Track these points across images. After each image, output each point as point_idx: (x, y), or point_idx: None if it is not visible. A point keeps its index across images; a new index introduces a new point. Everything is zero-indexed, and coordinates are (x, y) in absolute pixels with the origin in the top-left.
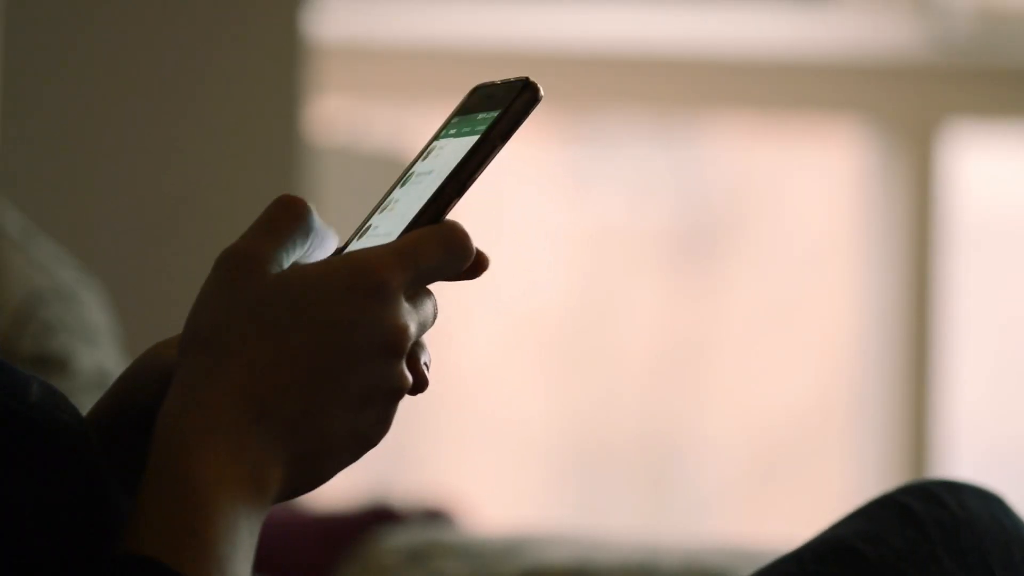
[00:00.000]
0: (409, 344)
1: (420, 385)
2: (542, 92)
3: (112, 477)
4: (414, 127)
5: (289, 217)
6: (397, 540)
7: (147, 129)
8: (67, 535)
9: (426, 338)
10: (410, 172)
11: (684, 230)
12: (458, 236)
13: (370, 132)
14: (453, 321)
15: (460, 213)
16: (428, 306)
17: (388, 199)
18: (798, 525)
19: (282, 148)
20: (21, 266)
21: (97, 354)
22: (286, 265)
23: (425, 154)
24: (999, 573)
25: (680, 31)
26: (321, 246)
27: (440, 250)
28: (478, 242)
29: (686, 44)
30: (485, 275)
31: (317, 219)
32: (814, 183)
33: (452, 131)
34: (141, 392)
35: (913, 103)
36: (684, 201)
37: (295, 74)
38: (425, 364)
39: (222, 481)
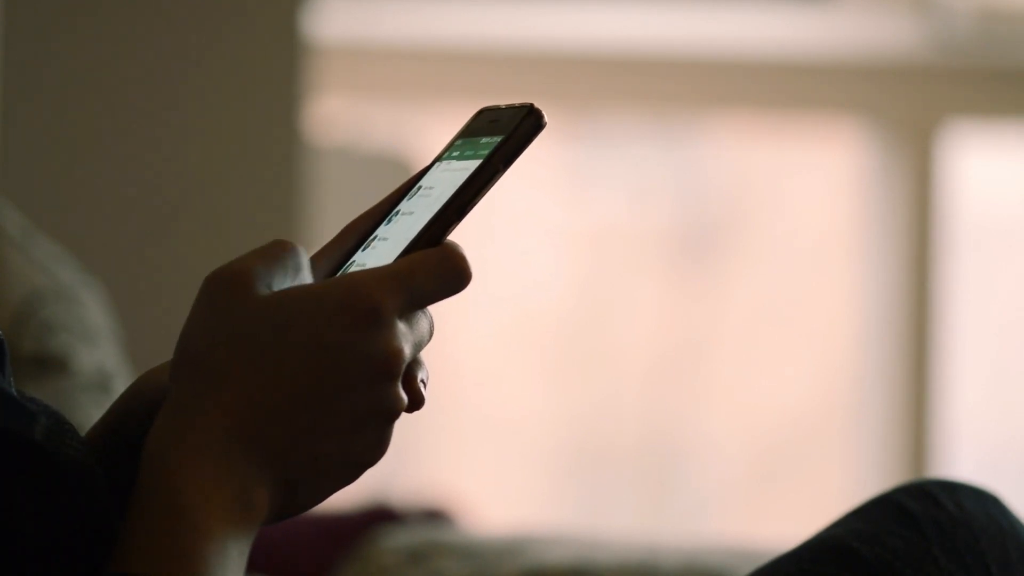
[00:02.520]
0: (403, 367)
1: (416, 403)
2: (546, 119)
3: (115, 511)
4: (414, 127)
5: (280, 247)
6: (397, 540)
7: (147, 129)
8: (68, 568)
9: (424, 349)
10: (397, 209)
11: (684, 230)
12: (456, 260)
13: (370, 132)
14: (453, 321)
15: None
16: (423, 324)
17: (374, 236)
18: (798, 525)
19: (282, 148)
20: (21, 266)
21: (97, 354)
22: (276, 289)
23: (423, 179)
24: (996, 572)
25: (680, 31)
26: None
27: (437, 274)
28: (477, 244)
29: (686, 44)
30: (485, 274)
31: (307, 264)
32: (814, 183)
33: (455, 153)
34: (135, 418)
35: (913, 103)
36: (684, 201)
37: (295, 74)
38: (422, 381)
39: (210, 503)
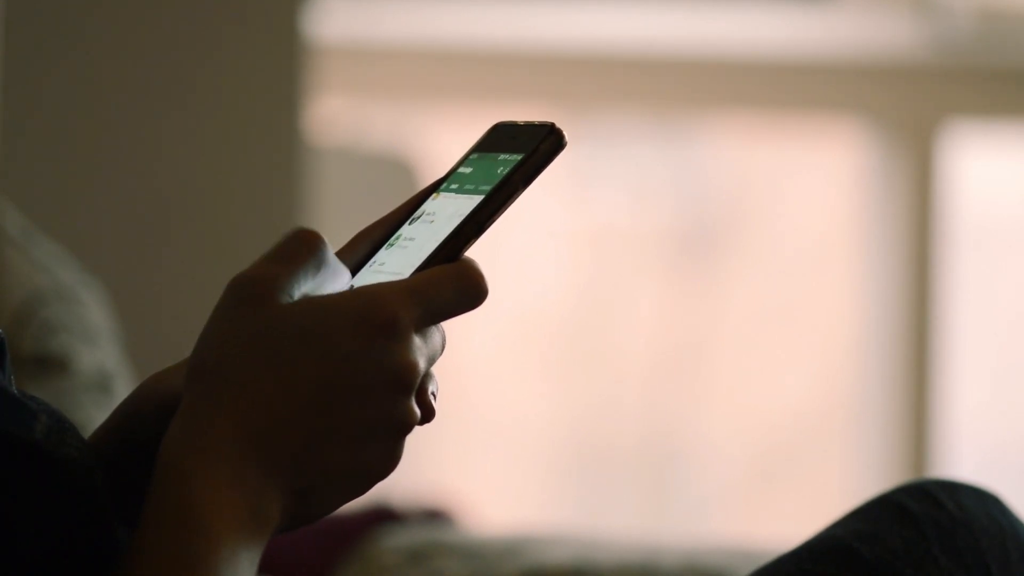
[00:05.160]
0: (418, 380)
1: (428, 416)
2: (567, 138)
3: (115, 511)
4: (414, 128)
5: (303, 249)
6: (397, 540)
7: (147, 129)
8: (67, 569)
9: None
10: (421, 210)
11: (684, 230)
12: (473, 277)
13: (370, 132)
14: (453, 321)
15: None
16: (436, 338)
17: (398, 235)
18: (798, 525)
19: (282, 148)
20: (21, 266)
21: (97, 354)
22: (296, 296)
23: (439, 190)
24: (996, 572)
25: (680, 31)
26: (333, 281)
27: (454, 290)
28: (477, 244)
29: (686, 44)
30: (486, 275)
31: (331, 254)
32: (814, 183)
33: (471, 169)
34: (143, 420)
35: (913, 103)
36: (684, 201)
37: (295, 74)
38: (432, 394)
39: (223, 512)
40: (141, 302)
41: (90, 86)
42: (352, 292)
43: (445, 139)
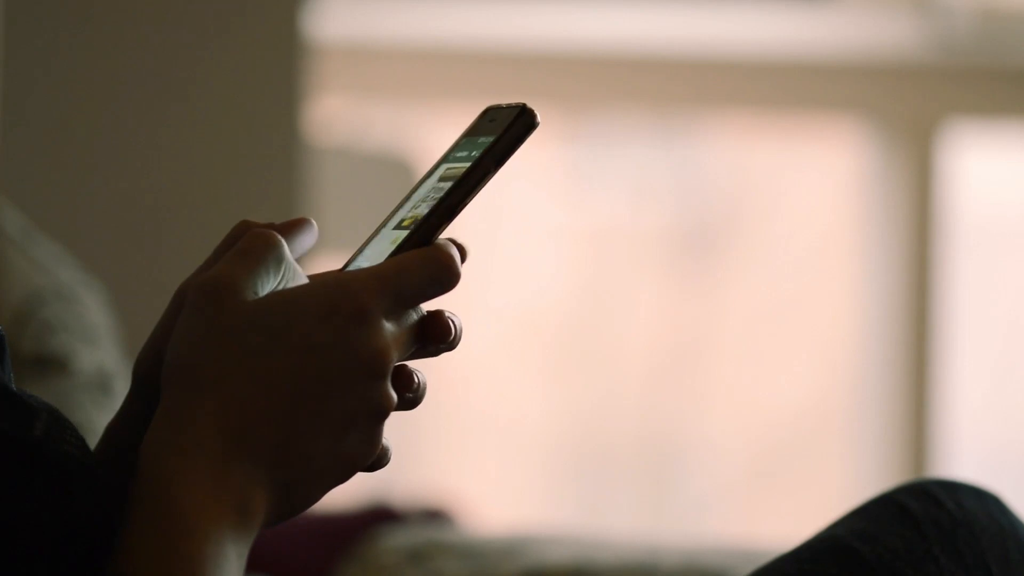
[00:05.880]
0: (392, 365)
1: (413, 404)
2: (539, 118)
3: (117, 509)
4: (414, 127)
5: (261, 246)
6: (397, 540)
7: (147, 129)
8: (66, 567)
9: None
10: (413, 196)
11: (684, 230)
12: (443, 261)
13: (370, 132)
14: None
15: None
16: (413, 323)
17: (386, 223)
18: (798, 525)
19: (282, 148)
20: (21, 266)
21: (97, 354)
22: (261, 294)
23: (429, 176)
24: (996, 572)
25: (680, 31)
26: (294, 279)
27: (423, 275)
28: (478, 244)
29: (686, 44)
30: (486, 275)
31: (288, 253)
32: (814, 183)
33: (462, 153)
34: (126, 412)
35: (913, 103)
36: (684, 200)
37: (295, 74)
38: (417, 379)
39: (207, 509)
40: (141, 302)
41: (90, 85)
42: (319, 282)
43: (445, 139)
